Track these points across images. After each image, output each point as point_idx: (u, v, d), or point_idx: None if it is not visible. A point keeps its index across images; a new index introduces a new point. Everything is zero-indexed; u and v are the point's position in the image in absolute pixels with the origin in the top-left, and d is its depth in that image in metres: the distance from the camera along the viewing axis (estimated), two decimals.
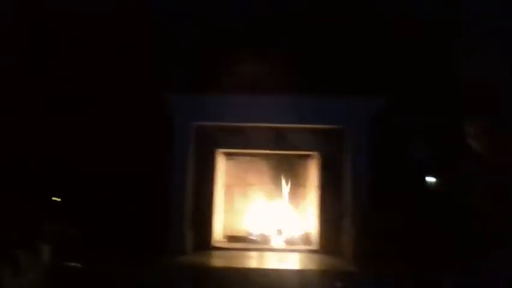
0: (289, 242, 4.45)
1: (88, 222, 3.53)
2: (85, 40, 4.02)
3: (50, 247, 2.95)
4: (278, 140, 4.23)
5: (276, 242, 4.44)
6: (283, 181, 4.69)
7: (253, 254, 4.07)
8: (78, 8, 3.96)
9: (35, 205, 3.18)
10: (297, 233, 4.55)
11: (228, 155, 4.74)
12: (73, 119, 3.98)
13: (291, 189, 4.70)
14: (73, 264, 2.95)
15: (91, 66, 3.98)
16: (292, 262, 3.79)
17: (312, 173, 4.57)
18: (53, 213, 3.41)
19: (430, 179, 3.76)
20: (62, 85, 3.97)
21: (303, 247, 4.31)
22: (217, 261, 3.73)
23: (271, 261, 3.77)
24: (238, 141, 4.27)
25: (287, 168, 4.78)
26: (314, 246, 4.24)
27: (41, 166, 3.81)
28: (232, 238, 4.57)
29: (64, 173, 3.90)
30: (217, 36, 4.07)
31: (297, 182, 4.79)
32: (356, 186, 3.94)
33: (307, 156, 4.67)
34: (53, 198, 3.78)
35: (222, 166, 4.68)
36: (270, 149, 4.36)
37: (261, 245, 4.39)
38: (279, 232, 4.52)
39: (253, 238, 4.52)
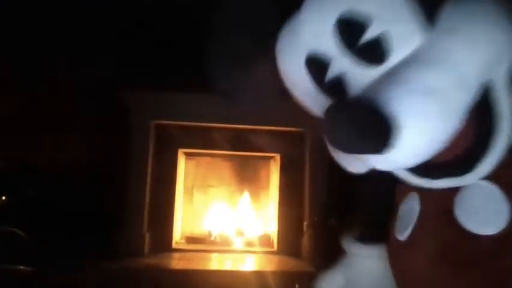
0: (249, 243, 4.45)
1: (39, 224, 3.36)
2: (36, 34, 3.82)
3: None
4: (240, 141, 4.21)
5: (236, 243, 4.42)
6: (244, 182, 4.68)
7: (213, 255, 4.03)
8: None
9: None
10: (257, 234, 4.55)
11: (188, 155, 4.67)
12: (24, 115, 3.78)
13: (252, 190, 4.70)
14: (22, 267, 2.80)
15: (44, 61, 3.79)
16: (252, 264, 3.78)
17: (273, 175, 4.59)
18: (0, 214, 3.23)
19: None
20: (14, 80, 3.76)
21: (262, 248, 4.31)
22: (176, 263, 3.67)
23: (231, 263, 3.75)
24: (200, 141, 4.22)
25: (248, 170, 4.78)
26: (274, 248, 4.26)
27: None
28: (192, 239, 4.50)
29: (15, 172, 3.70)
30: (180, 32, 3.98)
31: (258, 184, 4.79)
32: (315, 188, 4.00)
33: (269, 157, 4.68)
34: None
35: (182, 166, 4.61)
36: (231, 150, 4.34)
37: (221, 246, 4.35)
38: (239, 233, 4.50)
39: (213, 239, 4.48)
